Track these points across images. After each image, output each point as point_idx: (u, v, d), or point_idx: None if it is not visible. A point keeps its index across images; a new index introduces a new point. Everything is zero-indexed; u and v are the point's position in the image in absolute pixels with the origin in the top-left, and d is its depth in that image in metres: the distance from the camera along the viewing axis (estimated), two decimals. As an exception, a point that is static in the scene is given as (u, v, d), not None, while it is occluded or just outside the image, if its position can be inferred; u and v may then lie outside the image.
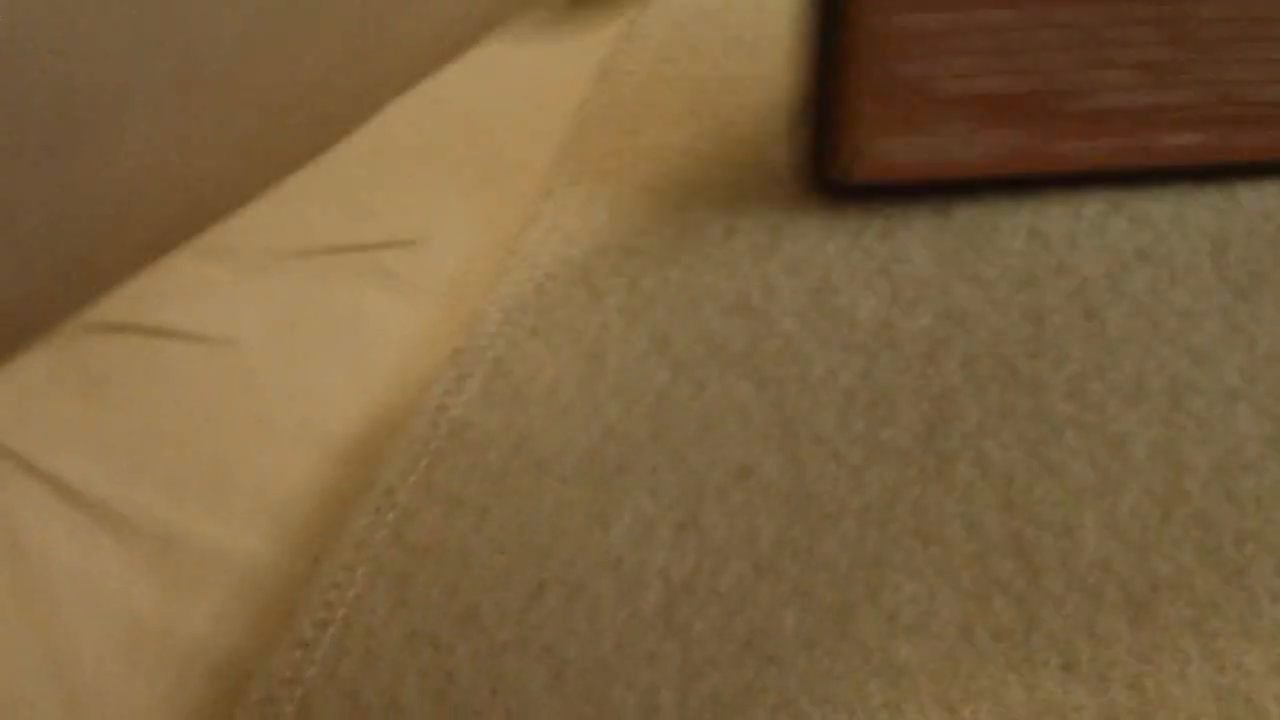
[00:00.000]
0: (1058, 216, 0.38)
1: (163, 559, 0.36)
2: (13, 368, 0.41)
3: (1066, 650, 0.32)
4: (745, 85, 0.44)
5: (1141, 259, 0.38)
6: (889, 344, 0.37)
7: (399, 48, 0.29)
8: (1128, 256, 0.38)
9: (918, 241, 0.40)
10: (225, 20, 0.25)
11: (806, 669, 0.33)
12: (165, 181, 0.27)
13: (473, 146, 0.45)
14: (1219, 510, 0.34)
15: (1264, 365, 0.36)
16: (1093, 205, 0.39)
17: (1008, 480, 0.35)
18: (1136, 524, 0.34)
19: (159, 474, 0.38)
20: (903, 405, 0.36)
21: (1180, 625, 0.33)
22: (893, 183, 0.40)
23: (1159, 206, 0.39)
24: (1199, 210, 0.39)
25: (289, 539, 0.36)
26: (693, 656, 0.33)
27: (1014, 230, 0.38)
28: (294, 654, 0.33)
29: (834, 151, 0.39)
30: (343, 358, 0.40)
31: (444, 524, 0.35)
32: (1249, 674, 0.32)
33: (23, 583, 0.36)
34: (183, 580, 0.36)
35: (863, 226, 0.40)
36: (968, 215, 0.39)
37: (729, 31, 0.46)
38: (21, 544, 0.37)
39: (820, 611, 0.33)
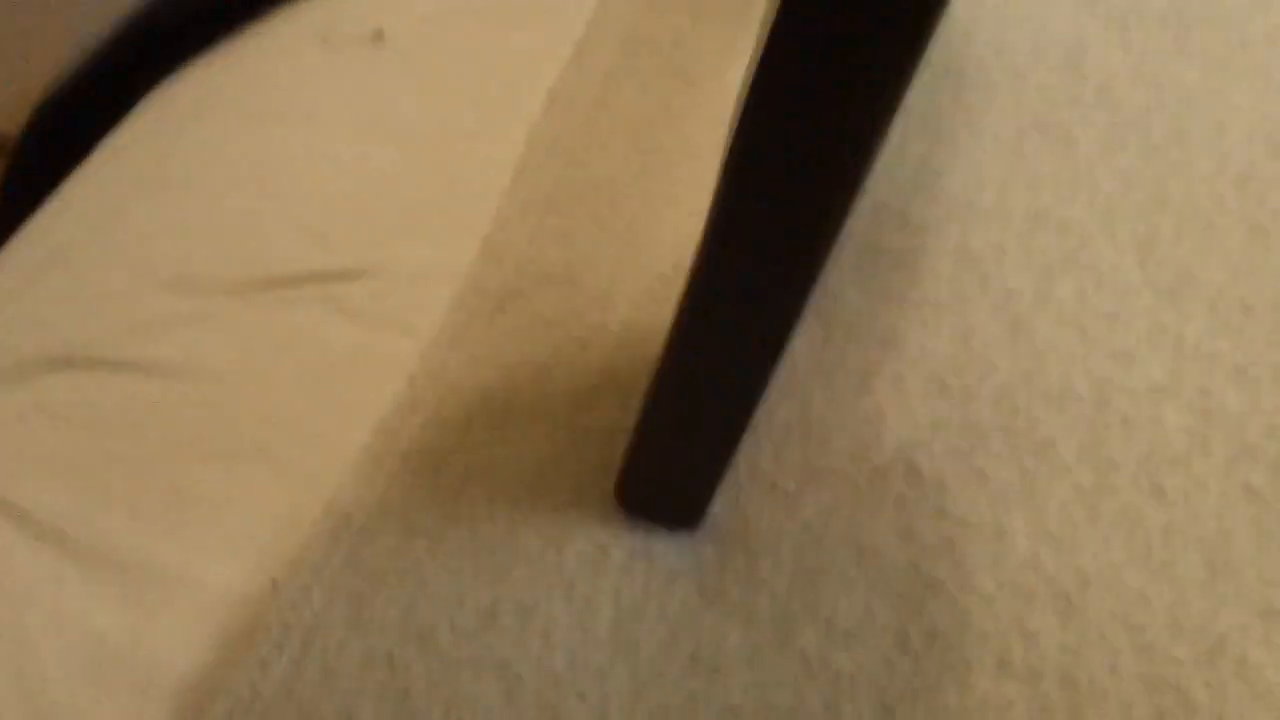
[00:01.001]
0: (985, 233, 0.39)
1: (124, 583, 0.38)
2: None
3: (999, 648, 0.33)
4: (689, 119, 0.45)
5: (1068, 265, 0.39)
6: (823, 378, 0.38)
7: None
8: (1054, 265, 0.39)
9: (850, 278, 0.40)
10: None
11: (749, 680, 0.34)
12: None
13: (424, 173, 0.47)
14: (1146, 505, 0.35)
15: (1190, 362, 0.37)
16: (1021, 217, 0.40)
17: (939, 488, 0.36)
18: (1065, 523, 0.35)
19: (121, 502, 0.40)
20: (835, 431, 0.37)
21: (1110, 619, 0.33)
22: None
23: (1088, 213, 0.40)
24: (1127, 212, 0.40)
25: (247, 562, 0.38)
26: (641, 672, 0.34)
27: (941, 251, 0.39)
28: (252, 674, 0.34)
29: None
30: (300, 386, 0.42)
31: (400, 547, 0.36)
32: (1179, 664, 0.33)
33: None
34: (144, 603, 0.38)
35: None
36: (896, 241, 0.40)
37: (673, 63, 0.47)
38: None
39: (763, 627, 0.35)
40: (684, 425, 0.33)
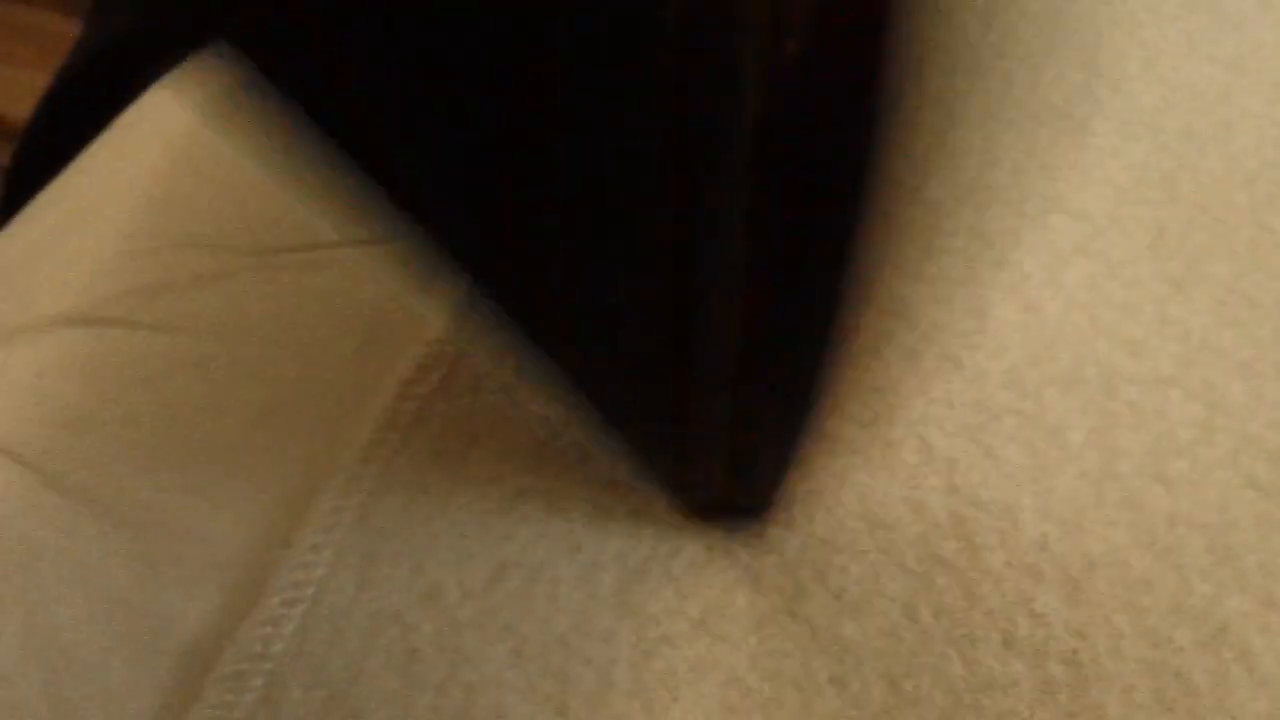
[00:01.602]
0: (999, 215, 0.40)
1: (139, 537, 0.38)
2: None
3: (1005, 626, 0.34)
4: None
5: (1080, 253, 0.39)
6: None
7: None
8: (1066, 251, 0.39)
9: (862, 245, 0.41)
10: None
11: (756, 646, 0.34)
12: None
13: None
14: (1151, 492, 0.35)
15: (1197, 354, 0.37)
16: (1034, 203, 0.40)
17: (950, 465, 0.36)
18: (1072, 505, 0.35)
19: (138, 457, 0.39)
20: (847, 398, 0.37)
21: (1114, 602, 0.34)
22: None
23: (1099, 203, 0.40)
24: (1138, 205, 0.41)
25: (263, 519, 0.37)
26: (648, 634, 0.34)
27: (956, 230, 0.40)
28: (263, 630, 0.34)
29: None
30: (324, 347, 0.41)
31: (409, 508, 0.36)
32: (1180, 649, 0.33)
33: (4, 562, 0.38)
34: (158, 557, 0.37)
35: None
36: (910, 215, 0.40)
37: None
38: (3, 525, 0.38)
39: (770, 592, 0.35)
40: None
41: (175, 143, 0.49)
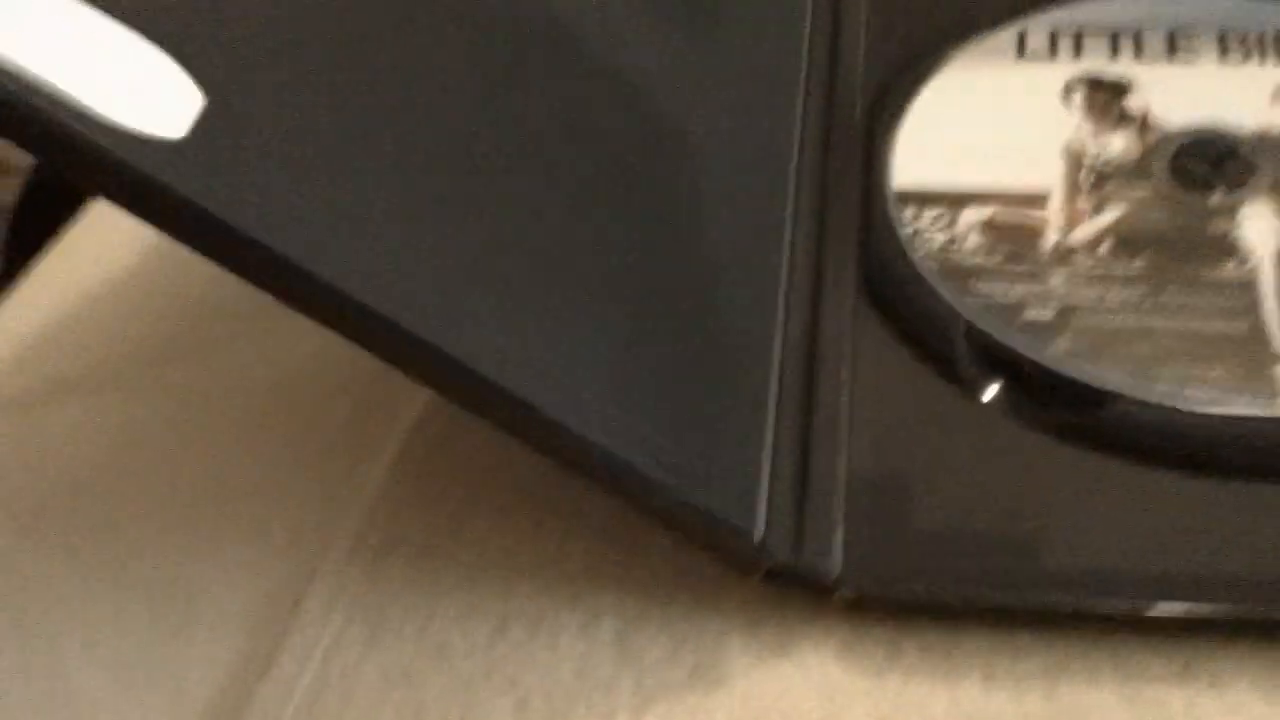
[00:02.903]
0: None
1: (154, 603, 0.39)
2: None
3: (986, 664, 0.35)
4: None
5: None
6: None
7: None
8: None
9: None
10: None
11: (748, 690, 0.35)
12: None
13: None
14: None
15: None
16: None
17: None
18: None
19: (148, 525, 0.41)
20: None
21: (1091, 634, 0.35)
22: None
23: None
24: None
25: (271, 581, 0.39)
26: (645, 683, 0.36)
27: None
28: (276, 691, 0.35)
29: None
30: (319, 411, 0.43)
31: (413, 566, 0.38)
32: (1156, 679, 0.34)
33: (22, 625, 0.39)
34: (173, 623, 0.39)
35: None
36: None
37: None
38: (25, 596, 0.40)
39: (763, 636, 0.36)
40: None
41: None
